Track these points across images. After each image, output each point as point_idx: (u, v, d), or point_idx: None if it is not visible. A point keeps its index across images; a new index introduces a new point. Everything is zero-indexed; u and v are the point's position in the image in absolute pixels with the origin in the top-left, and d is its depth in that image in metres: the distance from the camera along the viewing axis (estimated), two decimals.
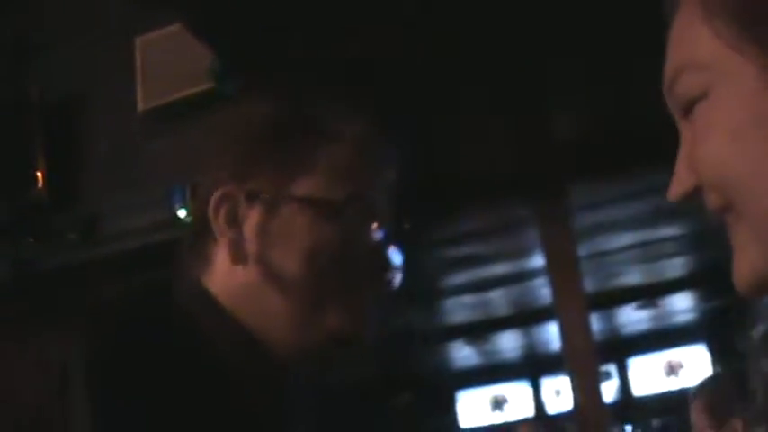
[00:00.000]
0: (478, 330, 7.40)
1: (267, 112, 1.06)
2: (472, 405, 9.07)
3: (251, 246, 1.00)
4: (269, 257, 0.99)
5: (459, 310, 7.01)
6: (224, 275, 1.01)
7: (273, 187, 1.00)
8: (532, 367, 8.83)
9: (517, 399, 8.96)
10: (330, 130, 1.04)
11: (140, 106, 3.99)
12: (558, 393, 8.74)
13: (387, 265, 1.05)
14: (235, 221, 1.01)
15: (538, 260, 5.72)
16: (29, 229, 4.58)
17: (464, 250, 5.79)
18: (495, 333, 7.55)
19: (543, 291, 6.39)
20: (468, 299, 6.70)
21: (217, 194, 1.01)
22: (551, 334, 7.17)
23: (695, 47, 0.72)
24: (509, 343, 8.06)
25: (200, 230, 1.04)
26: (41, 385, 0.88)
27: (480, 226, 5.46)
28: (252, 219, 1.00)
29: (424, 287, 6.36)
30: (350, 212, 1.01)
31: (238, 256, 1.00)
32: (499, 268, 6.26)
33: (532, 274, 6.30)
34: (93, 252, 4.65)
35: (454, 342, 7.74)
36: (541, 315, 6.86)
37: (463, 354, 8.17)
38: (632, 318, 7.92)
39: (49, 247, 4.60)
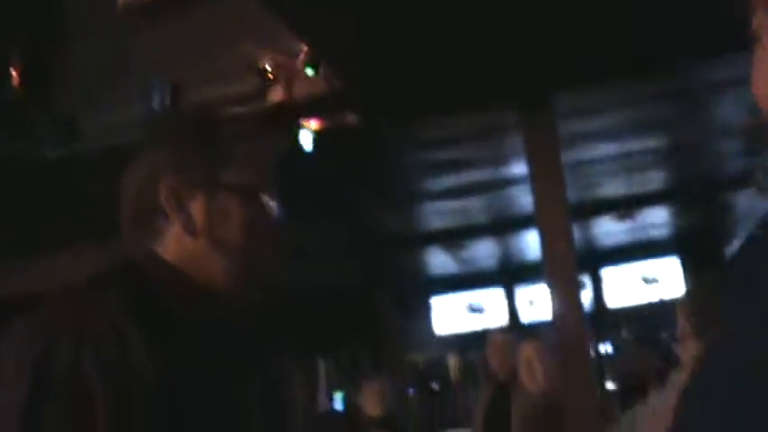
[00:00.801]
0: (456, 237, 7.40)
1: (196, 119, 1.42)
2: (447, 311, 9.17)
3: (198, 222, 1.31)
4: (212, 230, 1.31)
5: (437, 215, 7.00)
6: (175, 246, 1.32)
7: (207, 177, 1.32)
8: (508, 275, 8.88)
9: (492, 306, 9.02)
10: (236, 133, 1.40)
11: (120, 0, 3.91)
12: (532, 303, 8.82)
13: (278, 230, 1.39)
14: (182, 204, 1.31)
15: (519, 168, 5.71)
16: (4, 126, 4.53)
17: (445, 154, 5.76)
18: (472, 240, 7.56)
19: (523, 199, 6.40)
20: (446, 205, 6.69)
21: (165, 183, 1.30)
22: (529, 243, 7.25)
23: None
24: (486, 250, 8.10)
25: (146, 212, 1.32)
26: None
27: (463, 131, 5.43)
28: (196, 201, 1.31)
29: (404, 191, 6.36)
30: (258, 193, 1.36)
31: (189, 231, 1.31)
32: (479, 174, 6.25)
33: (513, 181, 6.30)
34: (72, 150, 4.63)
35: (431, 248, 7.76)
36: (520, 223, 6.88)
37: (440, 260, 8.21)
38: (609, 229, 7.97)
39: (26, 144, 4.57)
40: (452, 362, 9.05)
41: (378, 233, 6.74)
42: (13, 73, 4.37)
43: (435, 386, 9.22)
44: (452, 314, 9.16)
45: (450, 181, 6.27)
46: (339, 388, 8.55)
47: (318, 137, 4.60)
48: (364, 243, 7.00)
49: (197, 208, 1.31)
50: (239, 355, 1.37)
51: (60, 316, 1.20)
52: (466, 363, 8.94)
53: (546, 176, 4.83)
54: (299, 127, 4.56)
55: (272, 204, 1.37)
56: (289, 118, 4.51)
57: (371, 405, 5.16)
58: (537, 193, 4.81)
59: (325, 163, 5.04)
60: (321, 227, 6.33)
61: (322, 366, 8.37)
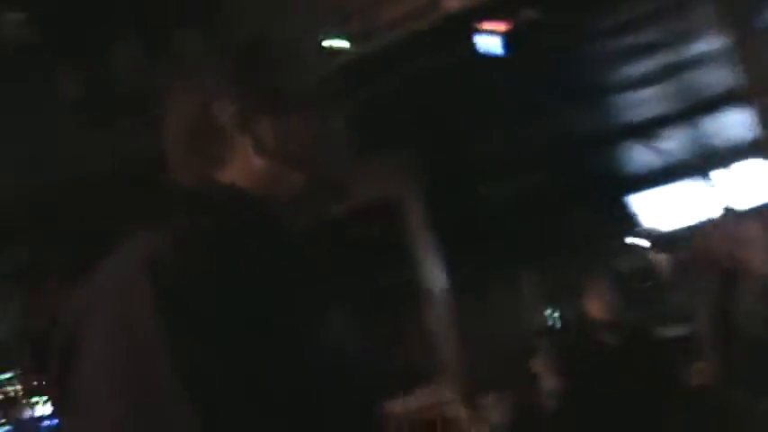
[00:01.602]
0: (651, 127, 7.05)
1: (255, 33, 1.35)
2: (650, 208, 8.77)
3: (267, 142, 1.24)
4: (281, 150, 1.24)
5: (629, 107, 6.66)
6: (242, 170, 1.24)
7: (272, 94, 1.25)
8: (711, 161, 8.39)
9: (698, 197, 8.57)
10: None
11: None
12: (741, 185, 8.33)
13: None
14: (248, 124, 1.24)
15: (708, 44, 5.40)
16: None
17: (630, 39, 5.41)
18: (669, 129, 7.16)
19: (716, 77, 6.03)
20: (638, 94, 6.32)
21: (227, 104, 1.24)
22: (730, 123, 6.86)
23: None
24: (684, 138, 7.65)
25: (204, 135, 1.25)
26: None
27: (644, 10, 5.02)
28: (262, 120, 1.24)
29: (592, 85, 6.08)
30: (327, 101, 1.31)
31: (259, 152, 1.24)
32: (666, 57, 5.82)
33: (703, 60, 5.90)
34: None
35: (627, 143, 7.44)
36: (718, 103, 6.50)
37: (637, 155, 7.87)
38: None
39: None
40: (660, 261, 8.66)
41: (570, 133, 6.46)
42: None
43: (644, 287, 8.66)
44: (656, 211, 8.75)
45: (638, 68, 5.91)
46: (549, 303, 8.43)
47: (503, 38, 4.39)
48: (558, 145, 6.73)
49: (264, 127, 1.25)
50: (310, 285, 1.27)
51: (152, 246, 1.10)
52: (675, 260, 8.52)
53: (750, 43, 4.45)
54: (482, 32, 4.36)
55: (339, 119, 1.33)
56: (467, 25, 4.34)
57: (597, 309, 4.94)
58: (745, 60, 4.41)
59: (511, 65, 4.81)
60: (513, 132, 6.17)
61: (528, 281, 8.19)
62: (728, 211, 7.32)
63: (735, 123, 6.63)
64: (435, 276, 5.86)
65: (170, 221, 1.16)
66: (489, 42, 4.41)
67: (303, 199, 1.27)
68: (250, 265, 1.12)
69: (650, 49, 5.62)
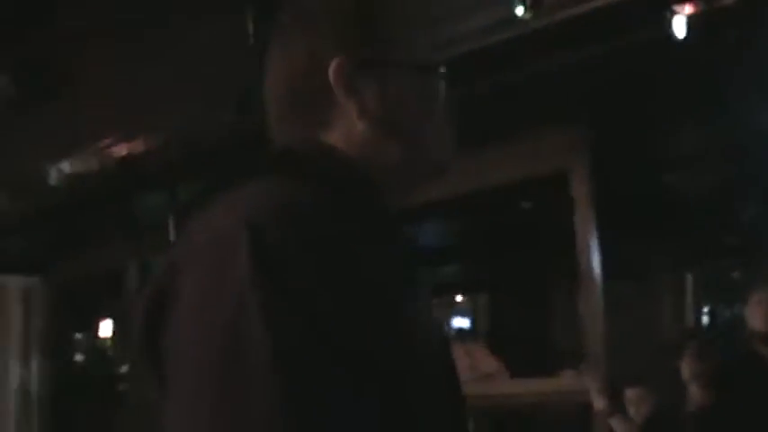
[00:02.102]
0: None
1: None
2: None
3: (372, 106, 1.21)
4: (388, 115, 1.22)
5: None
6: (346, 134, 1.21)
7: (380, 56, 1.23)
8: None
9: None
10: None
11: None
12: None
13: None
14: (354, 86, 1.21)
15: None
16: None
17: None
18: None
19: None
20: None
21: (335, 64, 1.20)
22: None
23: None
24: None
25: (308, 96, 1.23)
26: None
27: None
28: (368, 83, 1.21)
29: None
30: (438, 70, 1.29)
31: (365, 116, 1.21)
32: None
33: None
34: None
35: None
36: None
37: None
38: None
39: None
40: None
41: (755, 133, 6.14)
42: None
43: None
44: None
45: None
46: (708, 305, 8.11)
47: (693, 22, 4.20)
48: (741, 143, 6.43)
49: (370, 90, 1.22)
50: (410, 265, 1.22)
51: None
52: None
53: None
54: (672, 13, 4.19)
55: (444, 88, 1.29)
56: (655, 5, 4.18)
57: (758, 319, 4.73)
58: None
59: (700, 52, 4.62)
60: (695, 125, 5.98)
61: (690, 281, 7.90)
62: None
63: None
64: (594, 259, 5.69)
65: (272, 182, 1.13)
66: (680, 25, 4.22)
67: (400, 173, 1.25)
68: (350, 236, 1.07)
69: None
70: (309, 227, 1.02)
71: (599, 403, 5.21)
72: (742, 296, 5.03)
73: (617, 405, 5.17)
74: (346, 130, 1.22)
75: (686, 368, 4.91)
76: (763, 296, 4.79)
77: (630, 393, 5.17)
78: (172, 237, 6.68)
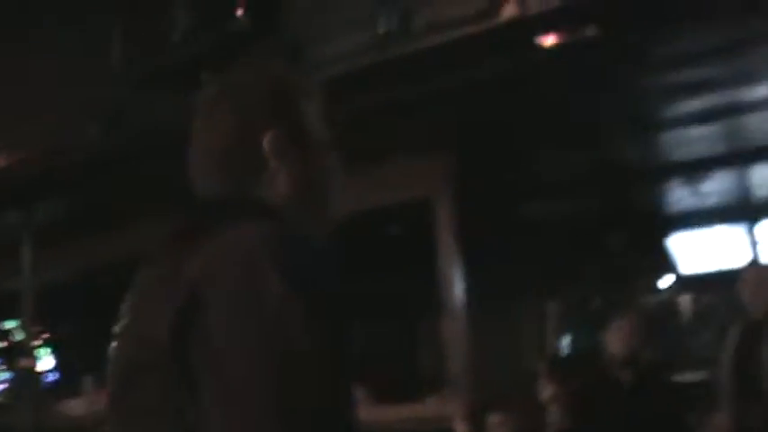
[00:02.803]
0: (695, 168, 6.88)
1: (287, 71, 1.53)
2: (686, 248, 8.56)
3: (298, 174, 1.39)
4: (306, 178, 1.40)
5: (675, 144, 6.49)
6: (274, 193, 1.38)
7: (304, 130, 1.42)
8: (752, 210, 8.21)
9: (732, 243, 8.39)
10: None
11: None
12: None
13: None
14: (286, 153, 1.39)
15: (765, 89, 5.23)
16: (233, 58, 4.49)
17: (687, 75, 5.23)
18: (712, 171, 7.01)
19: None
20: (685, 133, 6.14)
21: (271, 135, 1.39)
22: None
23: None
24: (727, 183, 7.48)
25: (242, 156, 1.39)
26: None
27: (705, 46, 4.88)
28: (296, 154, 1.39)
29: (641, 118, 5.89)
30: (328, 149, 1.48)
31: (290, 181, 1.39)
32: (720, 97, 5.63)
33: (759, 105, 5.72)
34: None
35: (671, 180, 7.26)
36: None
37: (677, 194, 7.66)
38: None
39: None
40: (686, 303, 8.58)
41: (615, 163, 6.37)
42: (239, 2, 4.33)
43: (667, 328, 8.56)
44: (689, 252, 8.54)
45: (690, 105, 5.71)
46: (568, 331, 8.27)
47: (556, 52, 4.28)
48: (602, 173, 6.66)
49: (296, 159, 1.40)
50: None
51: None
52: (701, 304, 8.47)
53: None
54: (537, 43, 4.26)
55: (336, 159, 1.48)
56: (521, 36, 4.25)
57: (616, 344, 4.91)
58: None
59: (560, 83, 4.70)
60: (556, 154, 6.05)
61: (552, 309, 8.06)
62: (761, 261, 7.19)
63: None
64: (457, 286, 5.72)
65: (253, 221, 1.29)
66: (544, 55, 4.30)
67: (304, 225, 1.39)
68: (317, 261, 1.27)
69: (707, 86, 5.42)
70: (303, 252, 1.24)
71: (461, 429, 5.24)
72: (601, 323, 5.13)
73: (479, 430, 5.19)
74: (273, 190, 1.38)
75: (543, 391, 5.00)
76: (622, 323, 4.94)
77: (493, 419, 5.20)
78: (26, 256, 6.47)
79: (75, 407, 7.76)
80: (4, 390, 9.67)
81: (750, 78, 5.35)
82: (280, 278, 1.15)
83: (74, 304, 8.49)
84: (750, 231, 8.25)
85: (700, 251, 8.43)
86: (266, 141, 1.37)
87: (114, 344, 1.33)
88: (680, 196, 7.68)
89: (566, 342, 8.35)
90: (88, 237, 7.14)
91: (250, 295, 1.15)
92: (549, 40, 4.25)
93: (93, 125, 5.47)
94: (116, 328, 1.33)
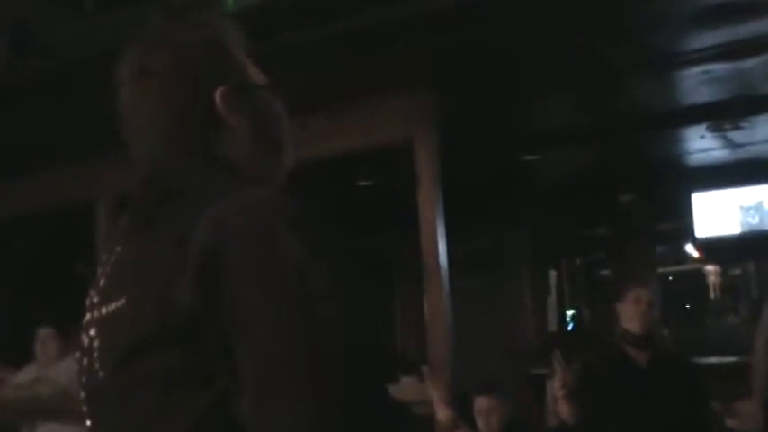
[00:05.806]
0: (726, 112, 6.25)
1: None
2: (713, 210, 7.87)
3: (253, 122, 1.49)
4: (263, 129, 1.50)
5: (700, 84, 5.85)
6: (234, 150, 1.46)
7: (247, 79, 1.52)
8: None
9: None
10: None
11: None
12: None
13: None
14: (237, 107, 1.47)
15: None
16: None
17: None
18: (748, 116, 6.37)
19: None
20: (714, 69, 5.55)
21: (220, 91, 1.45)
22: None
23: None
24: (762, 133, 6.83)
25: (193, 118, 1.45)
26: None
27: None
28: (245, 105, 1.48)
29: (660, 52, 5.29)
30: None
31: (249, 131, 1.48)
32: (757, 27, 5.00)
33: None
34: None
35: (692, 127, 6.66)
36: None
37: (704, 144, 7.06)
38: None
39: None
40: (712, 274, 8.06)
41: (625, 106, 5.81)
42: None
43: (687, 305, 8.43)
44: (717, 215, 7.87)
45: (719, 36, 5.14)
46: (573, 304, 7.82)
47: None
48: (609, 118, 6.10)
49: (246, 110, 1.46)
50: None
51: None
52: (729, 276, 8.03)
53: None
54: None
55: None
56: None
57: (631, 320, 4.53)
58: None
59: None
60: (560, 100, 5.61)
61: (553, 278, 7.51)
62: None
63: None
64: (440, 248, 5.26)
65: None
66: None
67: (265, 175, 1.47)
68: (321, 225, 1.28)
69: (739, 11, 4.80)
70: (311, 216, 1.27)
71: (442, 414, 4.74)
72: (613, 295, 4.80)
73: (463, 416, 4.79)
74: (233, 146, 1.44)
75: (556, 387, 4.57)
76: (640, 293, 4.57)
77: (480, 403, 4.83)
78: None
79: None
80: None
81: None
82: (298, 244, 1.19)
83: None
84: None
85: (729, 213, 7.83)
86: (218, 98, 1.43)
87: (99, 330, 1.33)
88: (705, 147, 7.14)
89: (570, 317, 7.91)
90: None
91: (271, 263, 1.19)
92: None
93: None
94: (99, 314, 1.33)
